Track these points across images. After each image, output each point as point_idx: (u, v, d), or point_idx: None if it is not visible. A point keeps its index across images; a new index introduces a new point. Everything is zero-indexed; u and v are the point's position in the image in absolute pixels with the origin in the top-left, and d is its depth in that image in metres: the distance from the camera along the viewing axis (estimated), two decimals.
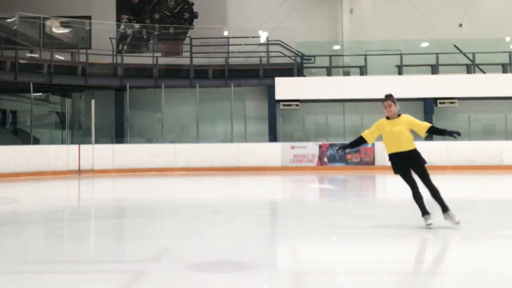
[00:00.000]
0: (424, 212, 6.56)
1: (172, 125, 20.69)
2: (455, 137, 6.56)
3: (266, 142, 19.54)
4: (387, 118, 6.74)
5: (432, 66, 20.08)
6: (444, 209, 6.53)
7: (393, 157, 6.71)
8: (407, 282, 4.51)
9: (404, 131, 6.59)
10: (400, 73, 19.99)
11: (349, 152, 18.45)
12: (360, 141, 6.96)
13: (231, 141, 19.43)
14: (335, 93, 19.60)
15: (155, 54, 20.52)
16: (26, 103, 19.13)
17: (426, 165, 6.60)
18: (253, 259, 5.18)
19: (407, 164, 6.63)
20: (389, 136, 6.64)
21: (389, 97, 6.72)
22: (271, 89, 19.74)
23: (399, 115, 6.72)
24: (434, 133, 6.76)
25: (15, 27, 19.71)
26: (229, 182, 15.51)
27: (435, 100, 19.62)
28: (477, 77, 19.72)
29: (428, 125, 6.67)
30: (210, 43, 21.46)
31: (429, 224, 6.46)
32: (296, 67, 20.15)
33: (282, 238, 6.66)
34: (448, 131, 6.62)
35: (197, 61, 20.41)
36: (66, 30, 22.01)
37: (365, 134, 6.89)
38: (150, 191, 13.25)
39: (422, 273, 4.82)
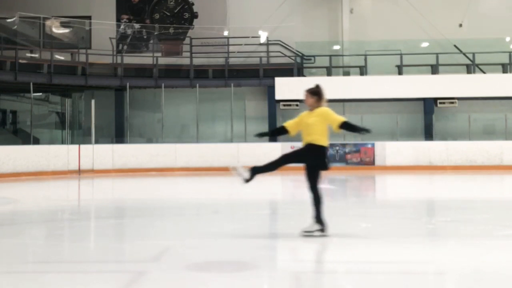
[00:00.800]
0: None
1: (172, 125, 20.68)
2: (364, 134, 6.17)
3: (266, 142, 19.51)
4: (310, 110, 6.38)
5: (432, 66, 20.07)
6: (318, 220, 6.06)
7: None
8: (407, 282, 4.50)
9: (317, 124, 6.17)
10: (400, 73, 19.99)
11: (349, 151, 18.45)
12: (282, 130, 6.61)
13: (231, 141, 19.42)
14: (335, 93, 19.49)
15: (155, 54, 20.51)
16: (26, 103, 19.13)
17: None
18: (253, 259, 5.17)
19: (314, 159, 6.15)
20: (304, 127, 6.29)
21: (309, 88, 6.34)
22: (271, 89, 19.74)
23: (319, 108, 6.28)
24: (347, 129, 6.24)
25: (15, 27, 19.71)
26: (229, 182, 15.49)
27: (435, 100, 19.61)
28: (477, 77, 19.71)
29: (342, 119, 6.18)
30: (210, 43, 21.46)
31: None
32: (296, 67, 20.14)
33: (282, 238, 6.65)
34: (359, 128, 6.18)
35: (197, 61, 20.41)
36: (66, 30, 22.01)
37: (288, 123, 6.53)
38: (150, 191, 13.24)
39: (422, 273, 4.81)
